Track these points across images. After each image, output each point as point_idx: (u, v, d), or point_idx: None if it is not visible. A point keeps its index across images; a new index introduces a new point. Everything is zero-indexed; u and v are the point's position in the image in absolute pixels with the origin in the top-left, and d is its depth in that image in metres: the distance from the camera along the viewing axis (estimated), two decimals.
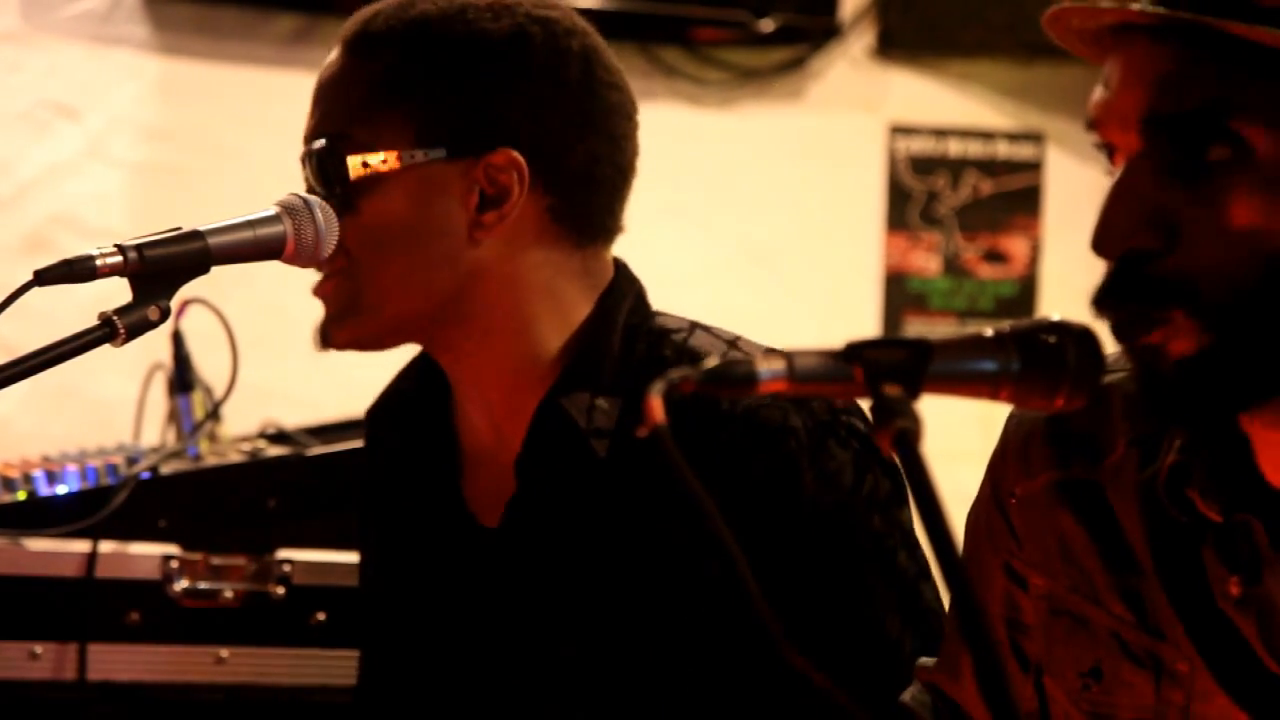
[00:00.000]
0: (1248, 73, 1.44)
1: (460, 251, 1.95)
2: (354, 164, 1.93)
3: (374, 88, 1.95)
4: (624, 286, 2.02)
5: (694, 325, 2.01)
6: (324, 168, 1.94)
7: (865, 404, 1.29)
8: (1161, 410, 1.51)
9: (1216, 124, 1.44)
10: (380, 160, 1.93)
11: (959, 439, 2.61)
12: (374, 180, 1.93)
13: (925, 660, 1.87)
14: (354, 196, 1.93)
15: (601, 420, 1.93)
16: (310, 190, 1.94)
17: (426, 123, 1.94)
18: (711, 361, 1.32)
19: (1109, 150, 1.51)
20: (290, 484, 2.50)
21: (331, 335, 1.98)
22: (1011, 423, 1.75)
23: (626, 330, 1.98)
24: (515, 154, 1.94)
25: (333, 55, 1.99)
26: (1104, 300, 1.48)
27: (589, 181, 1.99)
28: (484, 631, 2.00)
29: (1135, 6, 1.47)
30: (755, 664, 1.86)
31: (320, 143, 1.95)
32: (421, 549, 2.07)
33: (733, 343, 1.99)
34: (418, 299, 1.95)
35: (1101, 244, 1.48)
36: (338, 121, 1.96)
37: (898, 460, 1.23)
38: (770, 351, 1.93)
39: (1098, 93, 1.51)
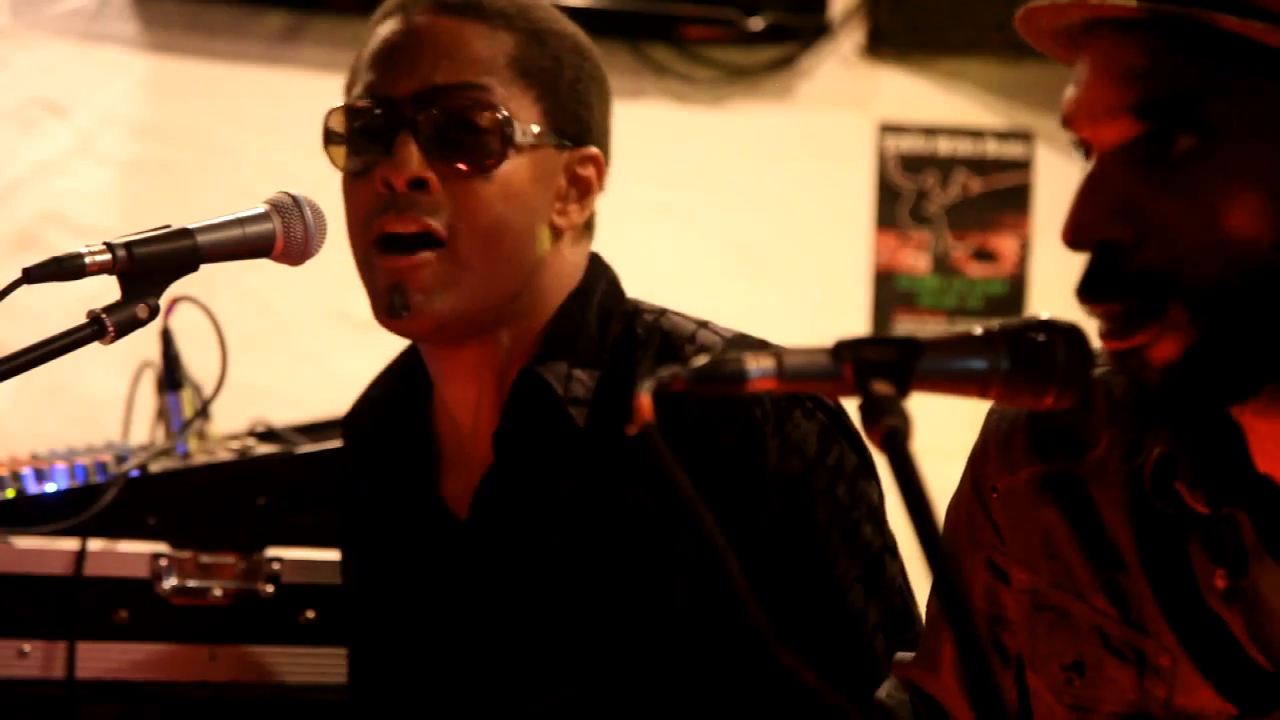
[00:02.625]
0: (1213, 61, 1.44)
1: (542, 240, 1.99)
2: (494, 121, 1.95)
3: (510, 60, 1.97)
4: (598, 272, 2.07)
5: (665, 310, 2.05)
6: (466, 117, 1.94)
7: (855, 402, 1.28)
8: (1153, 415, 1.51)
9: (1183, 112, 1.45)
10: (519, 131, 1.96)
11: (948, 436, 2.60)
12: (508, 146, 1.96)
13: (902, 655, 1.87)
14: (492, 156, 1.95)
15: (579, 390, 1.97)
16: (421, 145, 1.93)
17: (552, 108, 1.99)
18: (695, 352, 1.32)
19: (1085, 147, 1.52)
20: (279, 482, 2.50)
21: (423, 309, 1.94)
22: (993, 417, 1.75)
23: (601, 311, 2.03)
24: (598, 152, 2.03)
25: (425, 16, 1.98)
26: (1085, 292, 1.49)
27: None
28: (461, 621, 2.02)
29: (1095, 0, 1.48)
30: (734, 640, 1.87)
31: (461, 93, 1.94)
32: (401, 546, 2.09)
33: (703, 324, 2.03)
34: (505, 285, 1.97)
35: (1070, 236, 1.49)
36: (480, 74, 1.96)
37: (886, 458, 1.23)
38: (743, 336, 1.97)
39: (1069, 90, 1.52)
